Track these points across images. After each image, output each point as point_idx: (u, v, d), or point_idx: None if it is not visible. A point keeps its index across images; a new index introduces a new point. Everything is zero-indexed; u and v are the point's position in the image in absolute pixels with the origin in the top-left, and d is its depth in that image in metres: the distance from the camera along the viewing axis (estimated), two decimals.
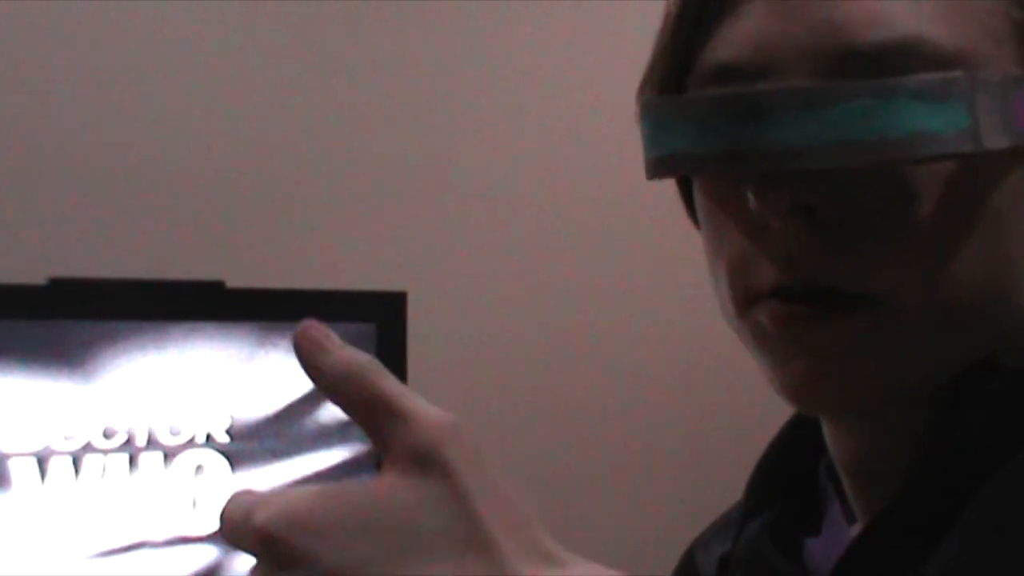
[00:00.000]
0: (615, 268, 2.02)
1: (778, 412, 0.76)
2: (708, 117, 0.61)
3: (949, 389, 0.62)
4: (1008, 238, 0.62)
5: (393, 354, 1.48)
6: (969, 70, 0.59)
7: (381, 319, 1.47)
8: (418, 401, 0.48)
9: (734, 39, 0.63)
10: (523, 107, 1.98)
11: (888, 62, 0.59)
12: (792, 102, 0.59)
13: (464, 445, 0.47)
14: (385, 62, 1.90)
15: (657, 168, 0.65)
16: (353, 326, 1.46)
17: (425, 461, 0.46)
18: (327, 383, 0.50)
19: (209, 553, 1.38)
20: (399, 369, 1.48)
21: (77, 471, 1.32)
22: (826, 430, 0.70)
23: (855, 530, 0.69)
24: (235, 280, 1.46)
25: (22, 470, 1.30)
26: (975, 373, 0.62)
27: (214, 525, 1.39)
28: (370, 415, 0.48)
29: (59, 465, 1.31)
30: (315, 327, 0.52)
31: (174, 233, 1.74)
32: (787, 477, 0.75)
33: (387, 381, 0.49)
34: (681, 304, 2.01)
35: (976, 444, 0.60)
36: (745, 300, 0.65)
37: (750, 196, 0.61)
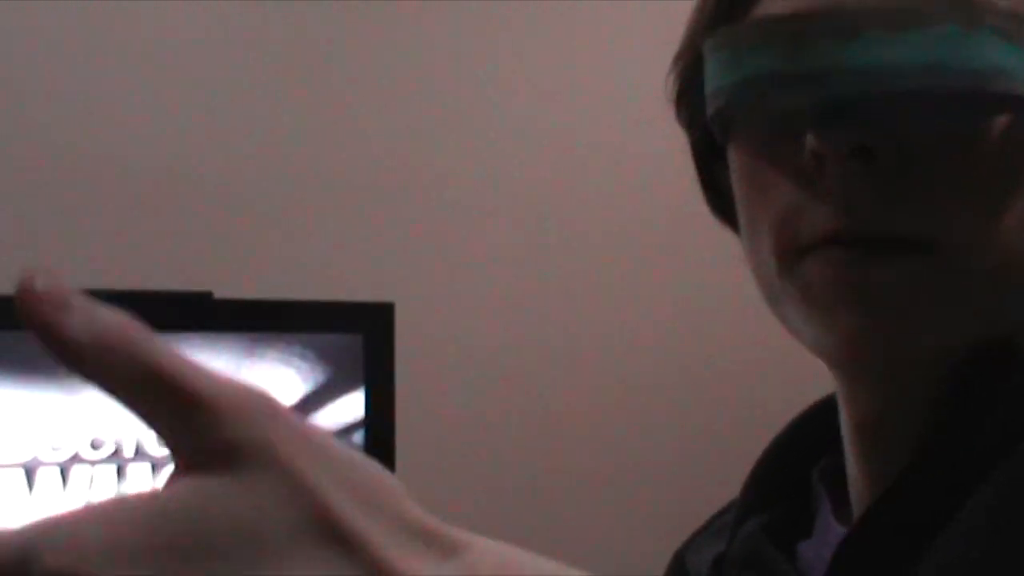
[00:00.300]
0: (603, 278, 2.02)
1: (773, 417, 0.77)
2: (795, 37, 0.60)
3: (964, 369, 0.62)
4: None
5: (381, 365, 1.48)
6: None
7: (369, 330, 1.47)
8: (208, 378, 0.38)
9: None
10: (511, 118, 1.99)
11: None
12: (881, 22, 0.59)
13: (288, 424, 0.38)
14: (373, 74, 1.90)
15: (735, 93, 0.63)
16: (340, 337, 1.46)
17: (246, 455, 0.36)
18: (75, 354, 0.38)
19: None
20: (387, 380, 1.48)
21: (65, 482, 1.32)
22: (841, 390, 0.69)
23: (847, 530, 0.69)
24: (223, 291, 1.46)
25: (9, 481, 1.29)
26: (992, 357, 0.62)
27: None
28: (147, 399, 0.39)
29: (47, 476, 1.31)
30: (42, 274, 0.39)
31: (162, 244, 1.74)
32: (783, 481, 0.75)
33: (163, 352, 0.38)
34: (672, 316, 2.01)
35: (982, 437, 0.60)
36: (793, 252, 0.63)
37: (809, 137, 0.60)
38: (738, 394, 1.96)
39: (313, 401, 1.43)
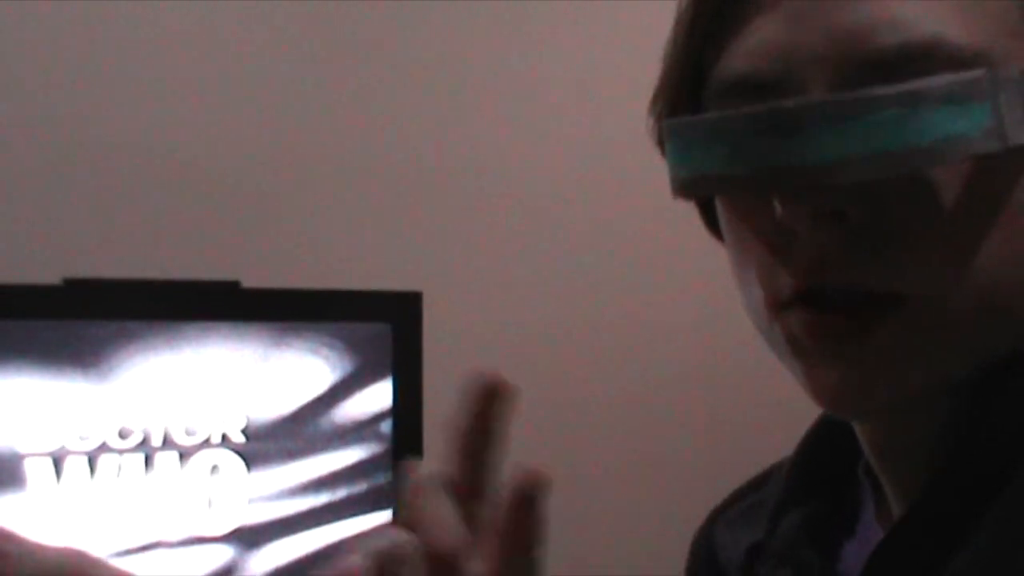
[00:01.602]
0: (630, 267, 2.02)
1: (787, 412, 0.76)
2: (738, 136, 0.61)
3: (976, 383, 0.62)
4: None
5: (409, 354, 1.47)
6: (989, 68, 0.59)
7: (397, 319, 1.47)
8: None
9: (749, 50, 0.63)
10: (538, 107, 1.98)
11: (910, 66, 0.59)
12: (822, 117, 0.59)
13: None
14: (400, 62, 1.90)
15: (687, 188, 0.65)
16: (368, 326, 1.45)
17: None
18: None
19: (225, 553, 1.38)
20: (415, 369, 1.47)
21: (92, 471, 1.32)
22: (854, 423, 0.70)
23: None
24: (250, 280, 1.46)
25: (38, 470, 1.30)
26: (1002, 368, 0.62)
27: (230, 524, 1.39)
28: None
29: (75, 465, 1.31)
30: None
31: (189, 233, 1.75)
32: (826, 471, 0.75)
33: None
34: (696, 303, 2.00)
35: (1002, 441, 0.60)
36: (775, 307, 0.65)
37: (777, 206, 0.61)
38: (767, 386, 1.96)
39: (341, 390, 1.43)
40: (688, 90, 0.68)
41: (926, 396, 0.63)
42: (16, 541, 0.40)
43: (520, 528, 0.48)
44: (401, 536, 0.49)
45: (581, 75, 2.00)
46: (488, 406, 0.48)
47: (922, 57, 0.59)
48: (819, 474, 0.75)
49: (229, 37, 1.80)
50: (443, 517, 0.49)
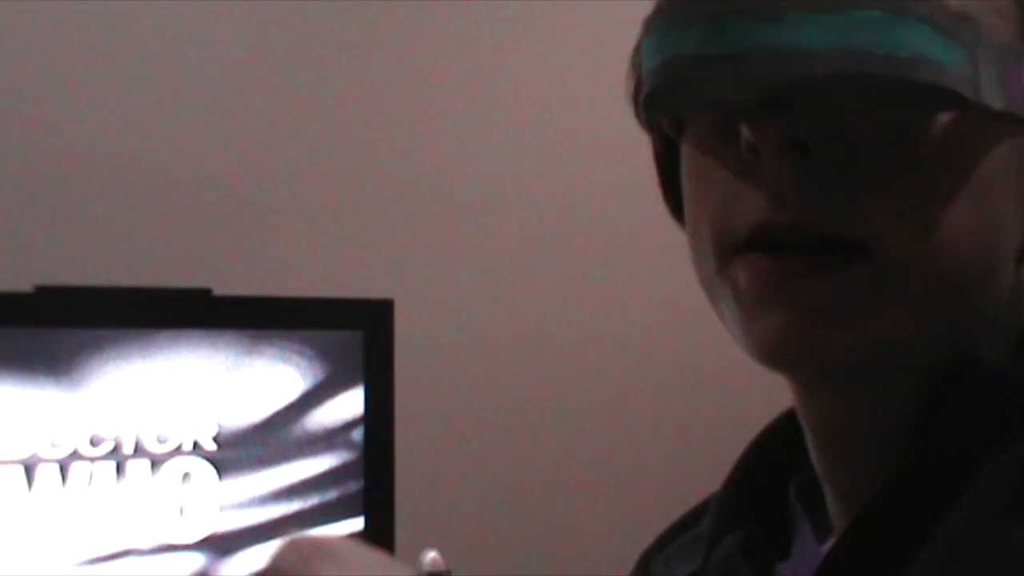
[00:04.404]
0: (602, 274, 2.02)
1: (762, 420, 0.76)
2: (717, 17, 0.59)
3: (931, 382, 0.62)
4: (999, 206, 0.62)
5: (380, 361, 1.48)
6: (971, 26, 0.59)
7: (368, 326, 1.47)
8: None
9: None
10: (510, 117, 1.99)
11: None
12: (807, 4, 0.58)
13: None
14: (373, 73, 1.90)
15: (659, 74, 0.62)
16: (340, 334, 1.46)
17: None
18: None
19: (197, 560, 1.38)
20: (386, 377, 1.48)
21: (64, 479, 1.32)
22: (797, 403, 0.67)
23: (827, 548, 0.68)
24: (222, 288, 1.46)
25: (9, 477, 1.29)
26: (959, 371, 0.61)
27: (202, 532, 1.39)
28: None
29: (46, 473, 1.31)
30: None
31: (161, 241, 1.74)
32: (758, 495, 0.73)
33: None
34: (670, 310, 2.01)
35: (958, 449, 0.59)
36: (728, 248, 0.62)
37: (743, 127, 0.59)
38: (749, 388, 1.96)
39: (312, 397, 1.43)
40: None
41: (871, 366, 0.62)
42: None
43: None
44: None
45: (555, 84, 2.01)
46: None
47: None
48: (750, 501, 0.73)
49: (205, 48, 1.80)
50: None
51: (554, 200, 2.00)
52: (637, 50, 0.69)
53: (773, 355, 0.61)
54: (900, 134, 0.59)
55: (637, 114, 0.70)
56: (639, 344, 2.03)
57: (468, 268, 1.94)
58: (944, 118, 0.60)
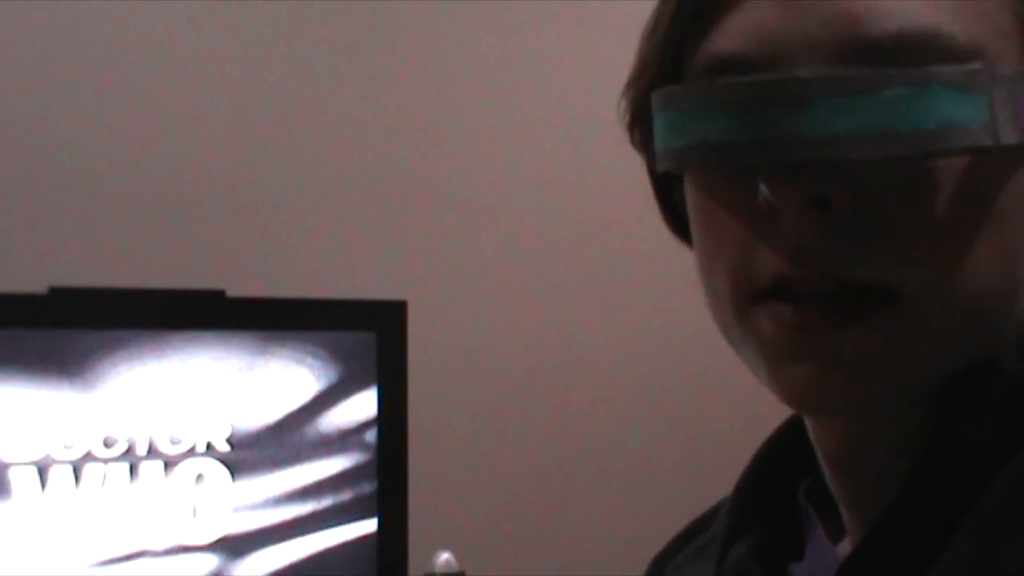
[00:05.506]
0: (614, 277, 2.02)
1: (770, 421, 0.76)
2: (742, 104, 0.59)
3: (946, 390, 0.61)
4: (1018, 230, 0.62)
5: (393, 362, 1.48)
6: (984, 64, 0.59)
7: (381, 328, 1.47)
8: None
9: (736, 31, 0.61)
10: (523, 117, 1.99)
11: (906, 54, 0.58)
12: (831, 90, 0.57)
13: None
14: (386, 73, 1.90)
15: (682, 158, 0.62)
16: (353, 335, 1.46)
17: None
18: None
19: (210, 562, 1.38)
20: (399, 377, 1.48)
21: (77, 480, 1.32)
22: (810, 425, 0.68)
23: (841, 549, 0.68)
24: (236, 289, 1.47)
25: (23, 479, 1.30)
26: (975, 377, 0.61)
27: (215, 533, 1.39)
28: None
29: (59, 474, 1.31)
30: None
31: (175, 242, 1.75)
32: (769, 500, 0.73)
33: None
34: (681, 313, 2.01)
35: (976, 452, 0.59)
36: (748, 298, 0.62)
37: (762, 187, 0.59)
38: (765, 393, 1.96)
39: (325, 399, 1.43)
40: (669, 74, 0.65)
41: (893, 402, 0.62)
42: None
43: None
44: None
45: (566, 87, 2.01)
46: None
47: (919, 47, 0.58)
48: (762, 503, 0.73)
49: (216, 48, 1.80)
50: None
51: (568, 203, 2.00)
52: (632, 84, 0.69)
53: (802, 404, 0.62)
54: (918, 180, 0.59)
55: (632, 142, 0.70)
56: (653, 346, 2.03)
57: (481, 270, 1.94)
58: (961, 161, 0.60)
